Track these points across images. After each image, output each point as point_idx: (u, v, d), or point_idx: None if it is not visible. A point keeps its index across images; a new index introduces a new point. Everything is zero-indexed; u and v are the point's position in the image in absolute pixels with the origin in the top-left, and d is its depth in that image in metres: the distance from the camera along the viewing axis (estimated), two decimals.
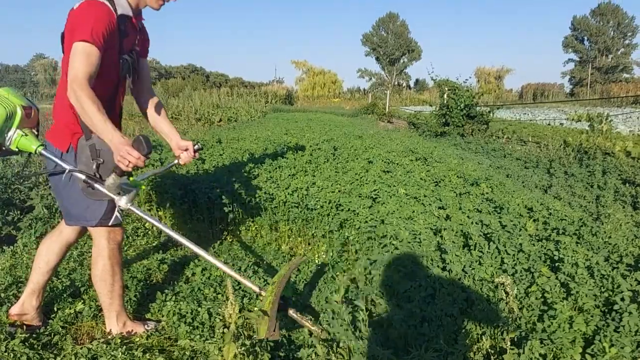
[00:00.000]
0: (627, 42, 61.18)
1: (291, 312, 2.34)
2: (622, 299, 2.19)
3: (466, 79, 12.59)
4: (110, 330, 2.48)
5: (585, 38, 62.97)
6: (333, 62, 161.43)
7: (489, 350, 2.14)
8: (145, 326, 2.56)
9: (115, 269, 2.40)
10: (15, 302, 2.64)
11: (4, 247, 3.66)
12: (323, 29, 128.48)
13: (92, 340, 2.43)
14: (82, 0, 2.10)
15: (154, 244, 3.83)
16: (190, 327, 2.53)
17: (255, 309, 2.62)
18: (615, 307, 2.17)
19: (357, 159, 5.36)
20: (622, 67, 61.04)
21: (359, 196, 3.84)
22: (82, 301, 2.84)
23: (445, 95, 12.56)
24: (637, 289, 2.24)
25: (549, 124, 15.09)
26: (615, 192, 5.28)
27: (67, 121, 2.23)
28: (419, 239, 2.83)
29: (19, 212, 4.06)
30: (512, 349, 2.02)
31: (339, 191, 4.05)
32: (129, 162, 2.00)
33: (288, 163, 5.04)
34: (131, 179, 2.28)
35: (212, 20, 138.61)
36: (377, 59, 71.85)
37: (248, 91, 32.06)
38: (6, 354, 2.27)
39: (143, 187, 2.38)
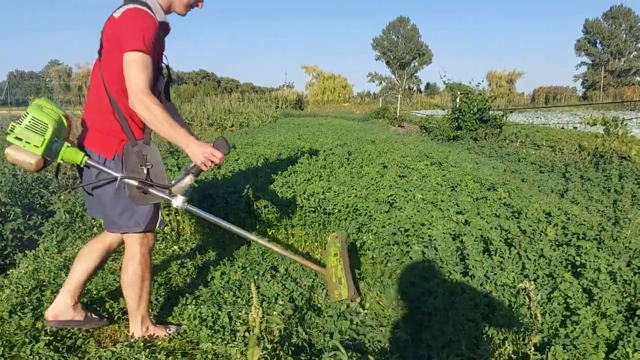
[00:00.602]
0: (639, 45, 60.62)
1: None
2: None
3: (478, 83, 12.58)
4: (133, 333, 2.51)
5: (598, 41, 62.54)
6: (343, 67, 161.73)
7: (512, 355, 2.14)
8: (167, 330, 2.59)
9: (145, 275, 2.42)
10: (37, 305, 2.72)
11: (26, 252, 3.72)
12: (333, 33, 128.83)
13: (116, 344, 2.46)
14: (122, 9, 2.13)
15: (172, 249, 3.86)
16: (212, 331, 2.55)
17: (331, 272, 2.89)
18: (638, 312, 2.16)
19: (371, 163, 5.37)
20: (635, 70, 60.50)
21: (376, 201, 3.85)
22: (105, 305, 2.88)
23: (457, 99, 12.54)
24: None
25: (562, 128, 15.00)
26: (632, 196, 5.24)
27: (112, 128, 2.24)
28: (437, 244, 2.84)
29: (40, 216, 4.13)
30: (535, 355, 2.02)
31: (355, 196, 4.06)
32: (213, 162, 2.11)
33: (303, 168, 5.07)
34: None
35: (222, 26, 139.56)
36: (388, 63, 71.84)
37: (259, 96, 32.18)
38: (31, 357, 2.31)
39: (195, 185, 2.45)
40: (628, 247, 2.84)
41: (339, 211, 3.87)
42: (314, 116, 23.46)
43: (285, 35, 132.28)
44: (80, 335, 2.55)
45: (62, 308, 2.52)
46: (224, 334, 2.53)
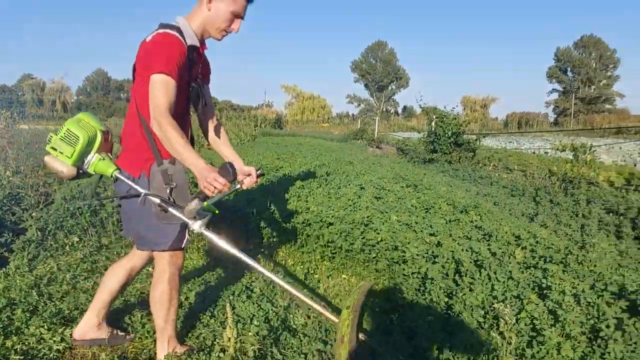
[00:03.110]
0: (609, 74, 62.83)
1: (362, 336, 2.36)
2: (608, 327, 2.27)
3: (453, 107, 12.89)
4: (159, 353, 2.48)
5: (569, 69, 64.59)
6: (322, 88, 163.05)
7: None
8: (191, 351, 2.57)
9: (173, 294, 2.41)
10: (7, 324, 2.70)
11: None
12: (313, 54, 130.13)
13: None
14: (153, 33, 2.19)
15: (147, 269, 3.84)
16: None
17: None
18: (601, 334, 2.25)
19: (349, 184, 5.44)
20: (604, 98, 62.53)
21: (353, 222, 3.91)
22: (73, 326, 2.84)
23: (433, 123, 12.81)
24: (622, 317, 2.33)
25: (534, 153, 15.41)
26: (599, 221, 5.41)
27: (139, 148, 2.28)
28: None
29: (11, 234, 4.06)
30: None
31: (332, 217, 4.11)
32: (215, 188, 2.07)
33: (281, 188, 5.11)
34: (205, 204, 2.32)
35: None
36: (366, 85, 72.98)
37: (237, 115, 32.17)
38: None
39: (217, 212, 2.45)
40: (592, 270, 2.94)
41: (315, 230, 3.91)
42: (293, 136, 23.56)
43: (265, 53, 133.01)
44: (52, 355, 2.52)
45: (87, 327, 2.60)
46: (199, 355, 2.53)
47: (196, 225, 2.29)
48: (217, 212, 2.46)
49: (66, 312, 2.98)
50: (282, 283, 2.45)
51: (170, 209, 2.26)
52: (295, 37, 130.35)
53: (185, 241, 2.40)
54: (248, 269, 3.95)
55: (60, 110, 57.59)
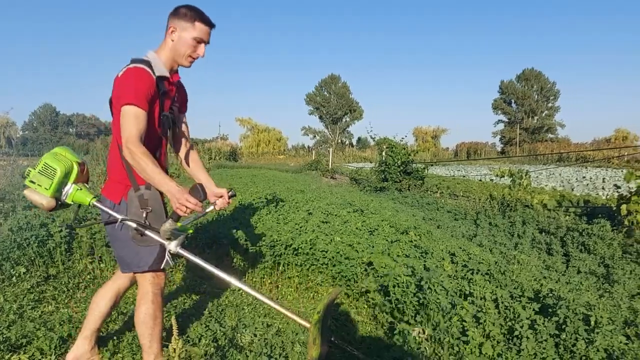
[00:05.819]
0: (550, 105, 66.41)
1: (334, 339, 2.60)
2: (522, 327, 2.53)
3: (402, 137, 13.41)
4: None
5: (513, 101, 67.84)
6: (278, 120, 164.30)
7: None
8: None
9: (157, 313, 2.51)
10: None
11: None
12: (267, 87, 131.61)
13: None
14: (125, 68, 2.34)
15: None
16: None
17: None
18: (516, 333, 2.50)
19: (298, 210, 5.64)
20: (547, 128, 65.90)
21: (300, 244, 4.10)
22: (21, 353, 2.86)
23: (383, 153, 13.25)
24: (535, 318, 2.59)
25: (480, 180, 16.11)
26: (532, 240, 5.81)
27: (119, 176, 2.41)
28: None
29: None
30: None
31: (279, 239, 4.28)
32: (187, 208, 2.20)
33: (231, 216, 5.25)
34: (179, 224, 2.41)
35: None
36: (321, 117, 74.14)
37: None
38: None
39: (191, 231, 2.57)
40: (514, 280, 3.23)
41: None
42: (247, 168, 23.66)
43: (219, 87, 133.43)
44: None
45: (81, 352, 2.66)
46: None
47: (172, 246, 2.41)
48: (191, 231, 2.60)
49: (13, 340, 2.99)
50: (261, 297, 2.59)
51: (147, 232, 2.38)
52: (250, 71, 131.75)
53: (164, 262, 2.51)
54: (204, 290, 4.07)
55: (5, 146, 55.44)
